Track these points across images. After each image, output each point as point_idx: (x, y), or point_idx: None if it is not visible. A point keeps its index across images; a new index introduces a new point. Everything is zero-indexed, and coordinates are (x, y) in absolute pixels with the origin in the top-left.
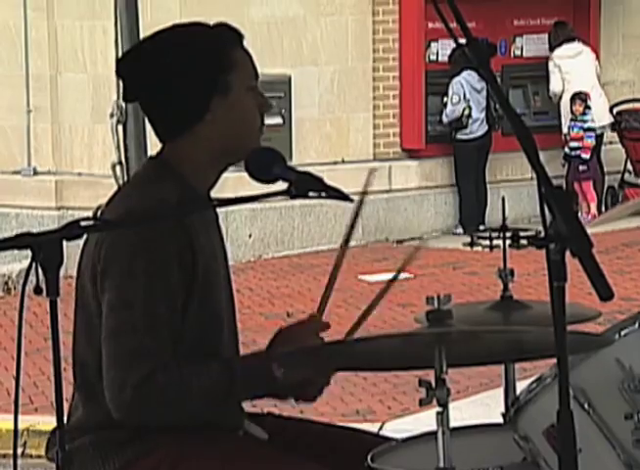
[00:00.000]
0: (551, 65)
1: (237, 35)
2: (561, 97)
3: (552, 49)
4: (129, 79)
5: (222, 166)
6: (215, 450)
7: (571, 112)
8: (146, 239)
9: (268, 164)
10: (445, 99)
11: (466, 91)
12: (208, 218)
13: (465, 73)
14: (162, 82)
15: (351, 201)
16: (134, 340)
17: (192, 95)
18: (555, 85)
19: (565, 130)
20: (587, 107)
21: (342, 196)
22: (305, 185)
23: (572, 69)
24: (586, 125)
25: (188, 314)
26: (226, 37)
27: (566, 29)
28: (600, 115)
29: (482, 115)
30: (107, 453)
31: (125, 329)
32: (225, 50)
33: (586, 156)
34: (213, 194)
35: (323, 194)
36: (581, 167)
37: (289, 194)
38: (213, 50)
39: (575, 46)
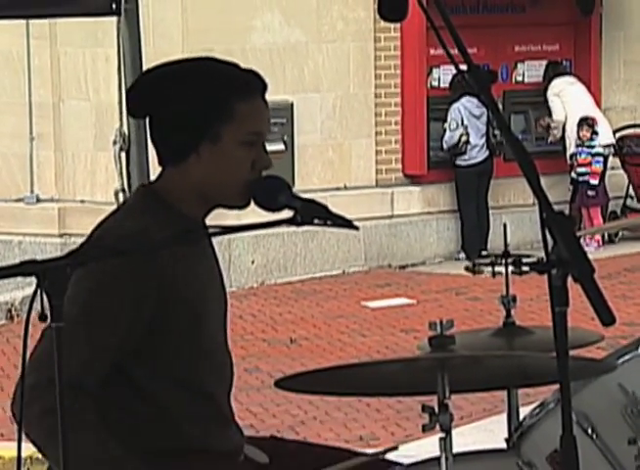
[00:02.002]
0: (550, 94)
1: (257, 85)
2: (565, 122)
3: (547, 84)
4: (139, 95)
5: (208, 205)
6: None
7: (579, 137)
8: (106, 264)
9: (274, 192)
10: (444, 126)
11: (464, 117)
12: (202, 245)
13: (464, 100)
14: (161, 112)
15: (356, 228)
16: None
17: (183, 133)
18: (558, 113)
19: (570, 155)
20: (595, 132)
21: (346, 224)
22: (310, 213)
23: (572, 94)
24: (594, 151)
25: (162, 342)
26: (239, 85)
27: (558, 67)
28: (605, 135)
29: (482, 141)
30: None
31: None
32: (227, 100)
33: (595, 181)
34: (219, 221)
35: (328, 222)
36: (590, 193)
37: (294, 222)
38: (214, 98)
39: (569, 78)
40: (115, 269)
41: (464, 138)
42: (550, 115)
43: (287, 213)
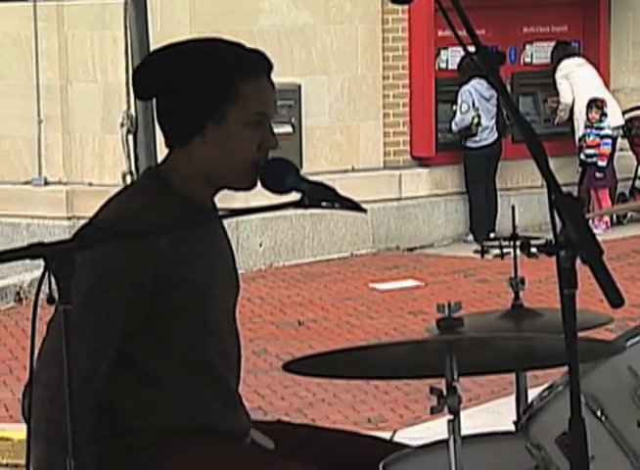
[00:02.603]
0: (558, 76)
1: (262, 66)
2: (573, 104)
3: (555, 65)
4: (145, 76)
5: (214, 188)
6: (219, 460)
7: (587, 118)
8: (106, 251)
9: (282, 174)
10: (454, 107)
11: (475, 99)
12: (209, 227)
13: (474, 82)
14: (167, 94)
15: (364, 211)
16: (58, 338)
17: (188, 115)
18: (566, 96)
19: (579, 135)
20: (604, 114)
21: (354, 206)
22: (318, 195)
23: (580, 76)
24: (602, 132)
25: (166, 326)
26: (244, 66)
27: (568, 48)
28: (614, 117)
29: (492, 122)
30: (117, 461)
31: (57, 327)
32: (232, 80)
33: (603, 163)
34: (227, 204)
35: (336, 204)
36: (598, 175)
37: (302, 204)
38: (218, 78)
39: (577, 60)
40: (113, 256)
41: (476, 120)
42: (557, 96)
43: (294, 196)
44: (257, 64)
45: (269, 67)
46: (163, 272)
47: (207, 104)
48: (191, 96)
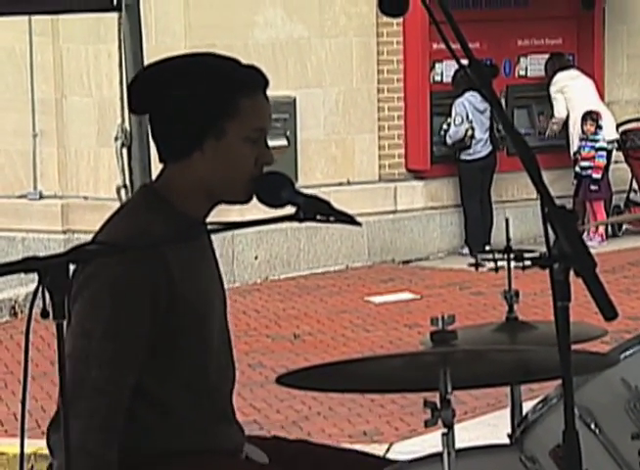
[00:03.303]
0: (553, 90)
1: (259, 82)
2: (568, 116)
3: (549, 78)
4: (140, 90)
5: (211, 203)
6: None
7: (582, 131)
8: (117, 274)
9: (277, 188)
10: (448, 120)
11: (469, 112)
12: (202, 244)
13: (468, 94)
14: (164, 109)
15: (359, 224)
16: (84, 369)
17: (186, 129)
18: (561, 111)
19: (574, 149)
20: (599, 126)
21: (349, 220)
22: (313, 209)
23: (575, 89)
24: (597, 145)
25: (168, 342)
26: (243, 82)
27: (562, 59)
28: (609, 130)
29: (486, 135)
30: None
31: (79, 357)
32: (232, 96)
33: (598, 175)
34: (222, 217)
35: (331, 218)
36: (592, 187)
37: (297, 218)
38: (218, 95)
39: (572, 72)
40: (128, 280)
41: (470, 133)
42: (552, 110)
43: (290, 210)
44: (255, 79)
45: (265, 83)
46: (172, 287)
47: (207, 119)
48: (190, 111)
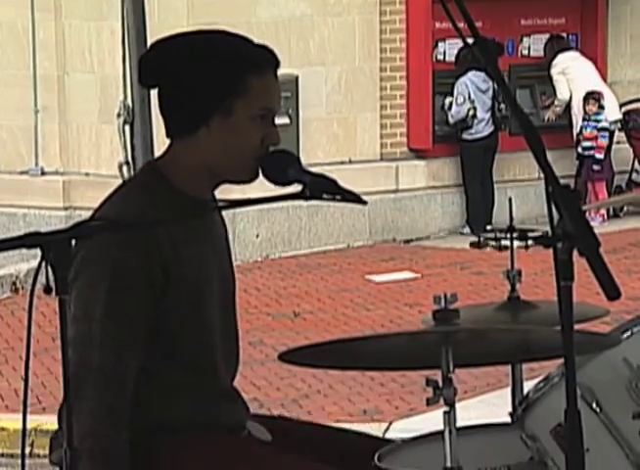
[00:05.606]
0: (554, 72)
1: (270, 61)
2: (570, 97)
3: (549, 60)
4: (152, 63)
5: (213, 182)
6: (215, 452)
7: (585, 111)
8: (114, 257)
9: (283, 166)
10: (450, 99)
11: (471, 92)
12: (207, 222)
13: (470, 74)
14: (174, 82)
15: (365, 203)
16: (88, 352)
17: (194, 105)
18: (564, 92)
19: (577, 130)
20: (601, 106)
21: (355, 198)
22: (319, 187)
23: (577, 70)
24: (600, 125)
25: (167, 325)
26: (253, 61)
27: (561, 41)
28: (612, 110)
29: (488, 115)
30: None
31: (82, 341)
32: (242, 74)
33: (600, 156)
34: (225, 195)
35: (337, 196)
36: (595, 167)
37: (303, 196)
38: (229, 72)
39: (572, 53)
40: (125, 262)
41: (472, 112)
42: (555, 93)
43: (295, 188)
44: (266, 59)
45: (276, 63)
46: (167, 270)
47: (216, 95)
48: (199, 86)
